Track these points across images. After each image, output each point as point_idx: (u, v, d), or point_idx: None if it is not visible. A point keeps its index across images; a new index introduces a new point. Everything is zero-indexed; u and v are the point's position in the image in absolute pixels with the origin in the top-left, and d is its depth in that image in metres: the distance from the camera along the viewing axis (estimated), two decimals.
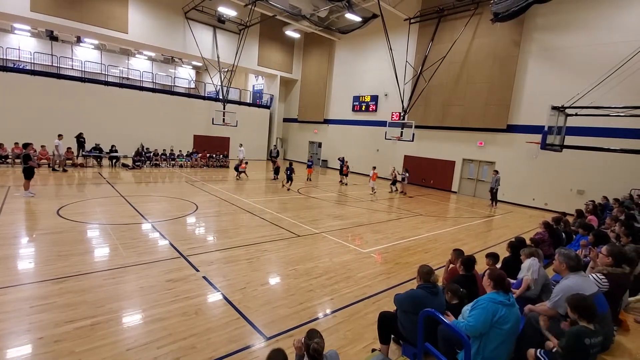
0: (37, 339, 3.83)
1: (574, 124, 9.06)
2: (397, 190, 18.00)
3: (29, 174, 10.29)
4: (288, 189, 15.59)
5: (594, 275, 4.00)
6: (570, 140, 9.06)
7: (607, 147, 8.87)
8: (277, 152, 25.13)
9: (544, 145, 7.30)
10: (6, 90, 17.48)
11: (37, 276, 5.37)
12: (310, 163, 19.92)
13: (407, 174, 17.96)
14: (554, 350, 2.99)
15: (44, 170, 15.05)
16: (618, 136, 13.16)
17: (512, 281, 4.68)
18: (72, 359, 3.57)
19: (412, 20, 19.93)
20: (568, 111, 7.96)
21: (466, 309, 3.31)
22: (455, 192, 19.29)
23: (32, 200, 9.95)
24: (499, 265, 5.12)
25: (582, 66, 14.25)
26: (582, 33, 14.46)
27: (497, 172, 15.87)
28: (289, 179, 15.85)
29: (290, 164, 16.74)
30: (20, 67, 20.64)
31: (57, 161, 15.62)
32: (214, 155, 22.24)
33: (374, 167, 17.26)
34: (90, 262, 6.10)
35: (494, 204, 15.84)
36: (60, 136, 15.55)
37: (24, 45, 24.09)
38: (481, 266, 4.75)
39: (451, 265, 4.93)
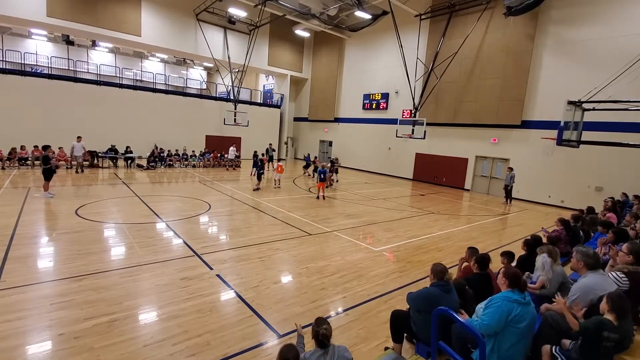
0: (57, 335, 3.94)
1: (591, 119, 8.81)
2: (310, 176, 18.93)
3: (48, 175, 10.60)
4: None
5: (613, 273, 3.91)
6: (587, 135, 8.81)
7: (626, 142, 8.63)
8: (274, 150, 23.53)
9: (560, 141, 7.12)
10: (25, 94, 18.00)
11: (56, 274, 5.52)
12: (322, 174, 13.69)
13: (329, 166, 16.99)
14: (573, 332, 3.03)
15: (62, 171, 15.45)
16: (637, 131, 12.77)
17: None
18: (91, 354, 3.66)
19: (422, 16, 19.70)
20: (585, 106, 7.74)
21: (480, 307, 3.27)
22: (468, 190, 19.02)
23: (52, 200, 10.23)
24: (514, 264, 5.03)
25: (599, 59, 13.86)
26: (599, 25, 14.06)
27: (511, 169, 15.57)
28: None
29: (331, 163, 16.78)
30: (38, 71, 21.24)
31: (74, 162, 15.90)
32: (226, 155, 22.39)
33: (279, 160, 16.74)
34: (107, 260, 6.24)
35: (508, 201, 15.56)
36: (79, 138, 15.78)
37: (41, 50, 24.74)
38: (496, 265, 4.68)
39: (465, 264, 4.87)
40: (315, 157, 20.68)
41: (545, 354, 3.09)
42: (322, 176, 13.55)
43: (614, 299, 2.95)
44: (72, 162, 16.05)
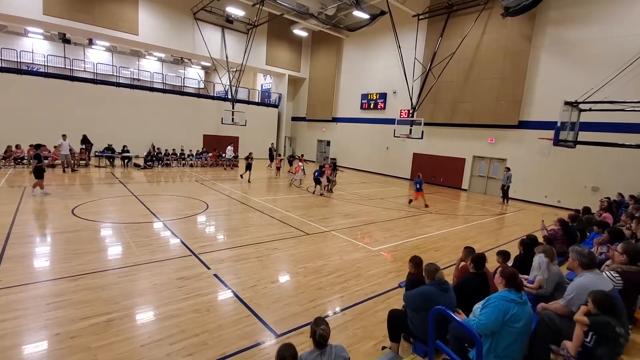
0: (53, 335, 3.93)
1: (587, 119, 8.86)
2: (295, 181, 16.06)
3: (38, 173, 10.50)
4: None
5: (608, 272, 3.94)
6: (583, 136, 8.87)
7: (622, 143, 8.68)
8: (275, 150, 23.57)
9: (557, 142, 7.15)
10: (21, 93, 17.89)
11: (53, 274, 5.50)
12: (419, 184, 13.20)
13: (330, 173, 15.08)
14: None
15: (58, 170, 15.37)
16: (634, 132, 12.84)
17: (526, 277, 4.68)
18: (88, 354, 3.65)
19: (420, 17, 19.74)
20: (582, 106, 7.78)
21: (477, 307, 3.29)
22: (466, 190, 19.08)
23: (48, 199, 10.17)
24: (510, 264, 5.05)
25: (596, 60, 13.93)
26: (596, 26, 14.13)
27: (508, 169, 15.64)
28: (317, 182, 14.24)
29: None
30: (34, 69, 21.10)
31: (62, 161, 15.51)
32: (223, 155, 22.33)
33: (301, 160, 16.80)
34: (104, 260, 6.22)
35: (505, 201, 15.63)
36: (64, 136, 15.33)
37: (37, 48, 24.60)
38: (492, 264, 4.70)
39: (462, 263, 4.89)
40: (302, 156, 20.21)
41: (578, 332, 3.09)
42: (419, 186, 13.15)
43: (599, 300, 2.94)
44: (71, 161, 15.99)
